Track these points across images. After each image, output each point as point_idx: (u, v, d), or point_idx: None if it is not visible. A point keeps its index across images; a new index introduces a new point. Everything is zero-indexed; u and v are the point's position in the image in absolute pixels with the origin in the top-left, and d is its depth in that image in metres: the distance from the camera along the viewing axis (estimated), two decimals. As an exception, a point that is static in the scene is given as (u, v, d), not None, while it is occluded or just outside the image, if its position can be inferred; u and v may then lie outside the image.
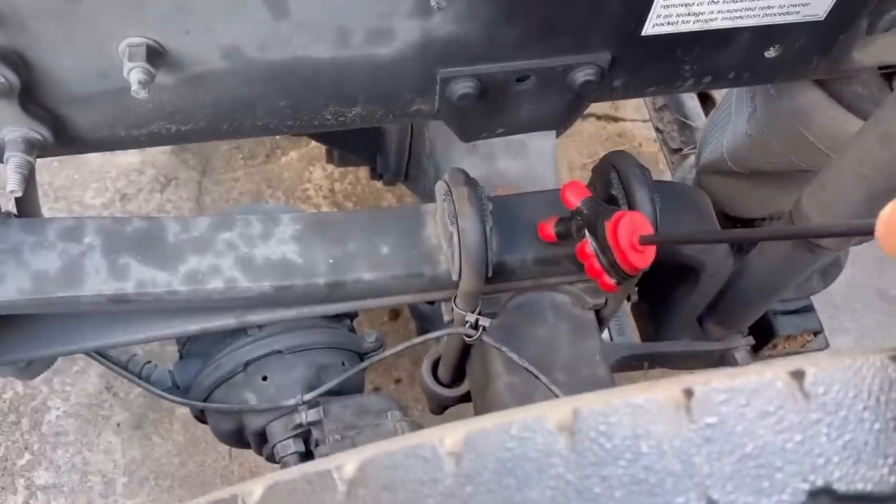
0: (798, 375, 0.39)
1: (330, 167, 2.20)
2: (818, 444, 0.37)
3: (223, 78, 0.81)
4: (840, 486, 0.36)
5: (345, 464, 0.41)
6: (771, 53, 0.94)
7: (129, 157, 2.20)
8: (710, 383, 0.39)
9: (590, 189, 1.09)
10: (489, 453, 0.39)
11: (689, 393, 0.39)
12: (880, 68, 0.95)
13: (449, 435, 0.40)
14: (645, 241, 0.85)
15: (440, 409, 1.35)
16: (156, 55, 0.75)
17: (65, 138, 0.84)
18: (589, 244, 0.91)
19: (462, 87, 0.86)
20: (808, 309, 1.51)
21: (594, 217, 0.90)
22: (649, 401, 0.39)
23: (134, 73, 0.73)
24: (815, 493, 0.36)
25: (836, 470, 0.36)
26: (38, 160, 0.84)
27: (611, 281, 0.92)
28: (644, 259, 0.87)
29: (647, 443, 0.37)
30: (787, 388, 0.38)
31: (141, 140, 0.88)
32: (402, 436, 0.45)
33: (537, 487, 0.37)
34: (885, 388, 0.38)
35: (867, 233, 0.44)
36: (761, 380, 0.38)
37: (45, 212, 2.10)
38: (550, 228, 0.98)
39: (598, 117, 2.43)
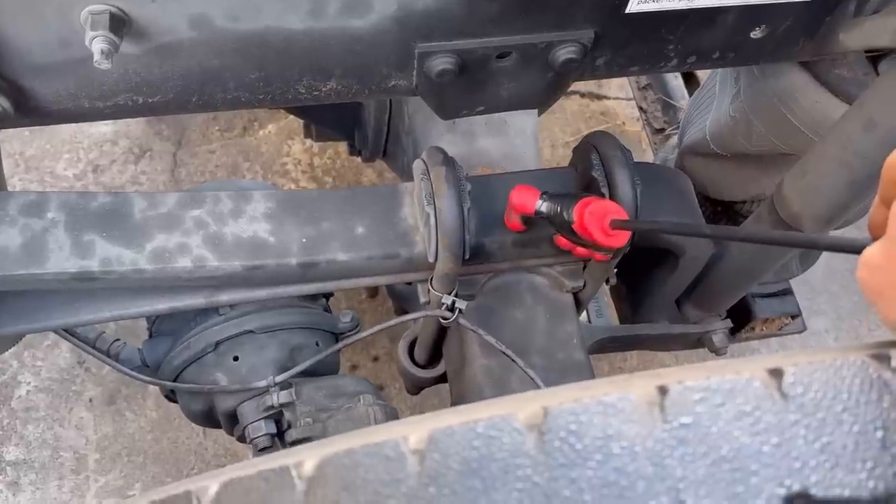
0: (776, 374, 0.37)
1: (309, 141, 2.16)
2: (795, 446, 0.36)
3: (192, 48, 0.78)
4: (817, 491, 0.35)
5: (304, 461, 0.40)
6: (757, 34, 0.92)
7: (102, 128, 2.14)
8: (685, 381, 0.37)
9: (571, 168, 1.08)
10: (454, 452, 0.37)
11: (663, 391, 0.37)
12: (867, 51, 0.93)
13: (413, 432, 0.39)
14: (616, 226, 0.86)
15: (416, 389, 1.33)
16: (119, 23, 0.72)
17: (26, 109, 0.81)
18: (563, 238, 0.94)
19: (441, 63, 0.84)
20: (787, 292, 1.50)
21: (556, 217, 0.90)
22: (622, 399, 0.37)
23: (96, 43, 0.69)
24: (791, 499, 0.35)
25: (814, 474, 0.35)
26: (4, 131, 0.81)
27: (600, 255, 0.95)
28: (620, 239, 0.87)
29: (618, 443, 0.36)
30: (764, 388, 0.37)
31: (106, 112, 0.84)
32: (365, 430, 0.43)
33: (503, 490, 0.35)
34: (865, 388, 0.37)
35: (855, 251, 0.43)
36: (738, 378, 0.37)
37: (16, 182, 2.06)
38: (517, 220, 0.98)
39: (582, 95, 2.40)
